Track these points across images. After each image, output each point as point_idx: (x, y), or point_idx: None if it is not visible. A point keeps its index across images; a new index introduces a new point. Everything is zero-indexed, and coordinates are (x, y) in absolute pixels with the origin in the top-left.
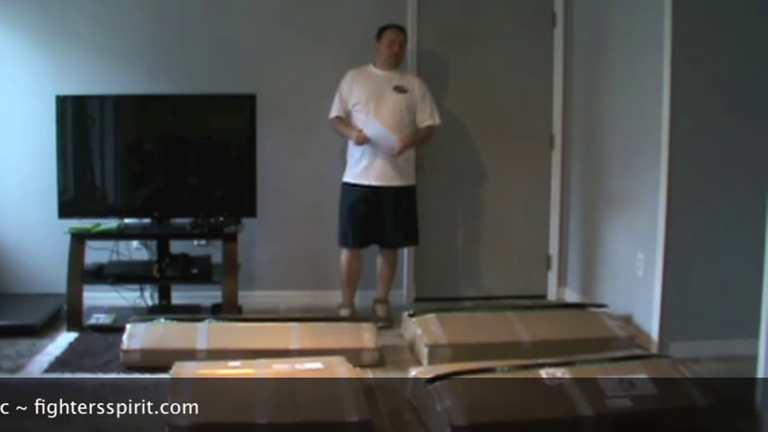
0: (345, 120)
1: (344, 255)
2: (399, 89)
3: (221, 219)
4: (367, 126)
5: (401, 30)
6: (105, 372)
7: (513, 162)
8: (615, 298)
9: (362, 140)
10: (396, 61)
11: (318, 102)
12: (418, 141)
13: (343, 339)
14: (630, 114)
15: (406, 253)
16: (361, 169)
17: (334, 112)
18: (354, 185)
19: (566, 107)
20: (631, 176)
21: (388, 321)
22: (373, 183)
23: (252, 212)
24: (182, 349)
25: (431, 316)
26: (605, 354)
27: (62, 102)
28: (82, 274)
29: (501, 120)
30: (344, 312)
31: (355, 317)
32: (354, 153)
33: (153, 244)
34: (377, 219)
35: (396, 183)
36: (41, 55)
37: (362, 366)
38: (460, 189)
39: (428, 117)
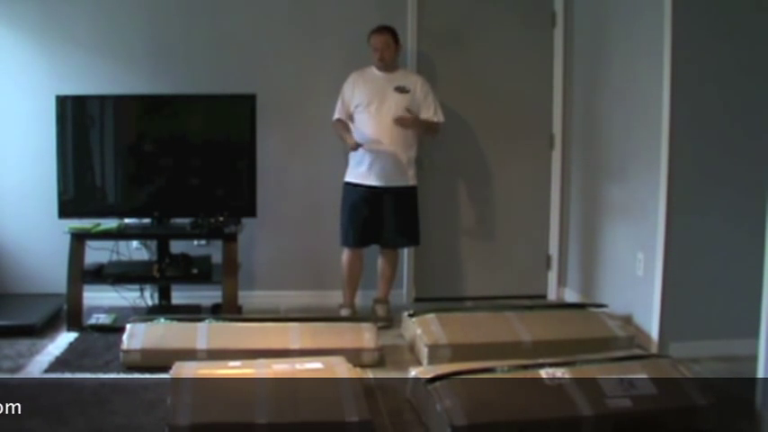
0: (346, 122)
1: (345, 254)
2: (401, 89)
3: (221, 219)
4: (367, 131)
5: (386, 32)
6: (105, 372)
7: (514, 162)
8: (615, 298)
9: (354, 148)
10: (383, 65)
11: (318, 102)
12: (422, 125)
13: (343, 339)
14: (630, 114)
15: (405, 253)
16: (363, 169)
17: (336, 114)
18: (356, 185)
19: (566, 107)
20: (631, 176)
21: (388, 321)
22: (374, 183)
23: (252, 212)
24: (182, 349)
25: (431, 316)
26: (605, 354)
27: (62, 102)
28: (82, 274)
29: (501, 120)
30: (345, 312)
31: (355, 317)
32: (356, 153)
33: (153, 244)
34: (378, 219)
35: (397, 183)
36: (41, 55)
37: (362, 366)
38: (461, 189)
39: (432, 115)
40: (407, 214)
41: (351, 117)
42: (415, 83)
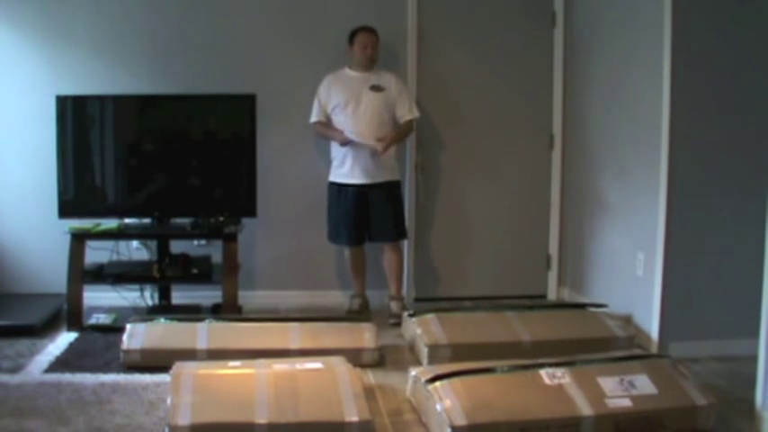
0: (327, 123)
1: (346, 251)
2: (376, 88)
3: (221, 219)
4: (346, 130)
5: (372, 32)
6: (105, 372)
7: (513, 162)
8: (615, 298)
9: (345, 142)
10: (369, 63)
11: None
12: (399, 137)
13: (343, 339)
14: (630, 114)
15: (406, 253)
16: (346, 169)
17: (315, 117)
18: (340, 185)
19: (566, 107)
20: (631, 176)
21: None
22: (358, 181)
23: (252, 212)
24: (182, 349)
25: (431, 316)
26: (605, 354)
27: (62, 102)
28: (82, 274)
29: (501, 120)
30: (356, 302)
31: (355, 317)
32: (338, 154)
33: (153, 244)
34: (365, 216)
35: (380, 179)
36: (41, 55)
37: (362, 366)
38: (460, 189)
39: (407, 112)
40: (393, 209)
41: (328, 119)
42: (390, 80)
